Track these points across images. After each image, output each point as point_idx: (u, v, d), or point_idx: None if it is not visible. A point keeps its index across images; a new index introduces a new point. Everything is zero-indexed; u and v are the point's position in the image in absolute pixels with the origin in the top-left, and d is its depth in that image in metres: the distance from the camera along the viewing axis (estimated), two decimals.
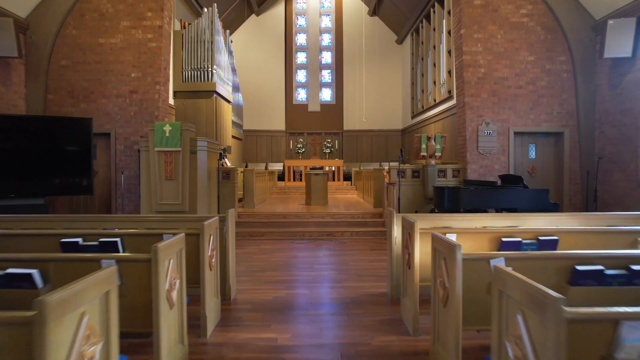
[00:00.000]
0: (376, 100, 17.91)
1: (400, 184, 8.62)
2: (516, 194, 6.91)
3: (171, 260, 3.03)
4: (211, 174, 8.50)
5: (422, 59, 14.63)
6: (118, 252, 3.69)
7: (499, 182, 7.99)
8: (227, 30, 13.66)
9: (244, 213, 9.42)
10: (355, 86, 18.24)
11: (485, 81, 9.00)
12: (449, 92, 11.61)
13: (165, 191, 8.06)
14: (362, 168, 17.59)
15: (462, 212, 7.71)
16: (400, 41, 17.96)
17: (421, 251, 3.75)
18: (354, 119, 18.23)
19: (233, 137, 14.15)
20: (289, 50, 18.76)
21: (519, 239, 3.56)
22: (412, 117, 16.07)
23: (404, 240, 4.13)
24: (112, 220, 4.62)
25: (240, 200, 10.98)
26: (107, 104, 8.85)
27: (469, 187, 7.28)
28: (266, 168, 17.81)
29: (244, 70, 17.94)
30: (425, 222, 4.49)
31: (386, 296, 4.71)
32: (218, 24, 11.71)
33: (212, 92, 11.30)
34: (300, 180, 16.49)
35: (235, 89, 14.78)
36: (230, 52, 13.76)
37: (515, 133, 9.10)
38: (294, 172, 16.53)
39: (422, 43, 14.61)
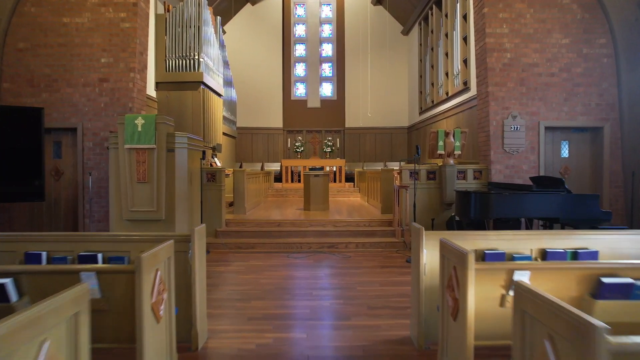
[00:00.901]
0: (380, 95, 16.67)
1: (416, 188, 7.37)
2: (559, 201, 5.67)
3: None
4: (193, 176, 7.27)
5: (432, 49, 13.39)
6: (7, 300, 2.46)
7: (533, 186, 6.76)
8: (218, 18, 12.42)
9: (233, 221, 8.18)
10: (359, 80, 17.00)
11: (512, 68, 7.76)
12: (465, 83, 10.37)
13: (137, 196, 6.84)
14: (365, 168, 16.38)
15: (490, 222, 6.52)
16: (406, 32, 16.72)
17: (478, 295, 2.51)
18: (357, 115, 17.00)
19: (225, 134, 12.91)
20: (287, 42, 17.53)
21: (629, 280, 2.33)
22: (420, 113, 14.83)
23: (444, 275, 2.89)
24: (30, 241, 3.38)
25: (230, 204, 9.73)
26: (74, 94, 7.61)
27: (500, 191, 6.03)
28: (262, 168, 16.57)
29: (238, 64, 16.71)
30: (463, 241, 3.27)
31: (411, 343, 3.47)
32: (206, 10, 10.46)
33: (198, 83, 10.06)
34: (299, 181, 15.25)
35: (228, 83, 13.55)
36: (222, 44, 12.52)
37: (546, 128, 7.86)
38: (292, 172, 15.30)
39: (432, 32, 13.37)
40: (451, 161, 7.72)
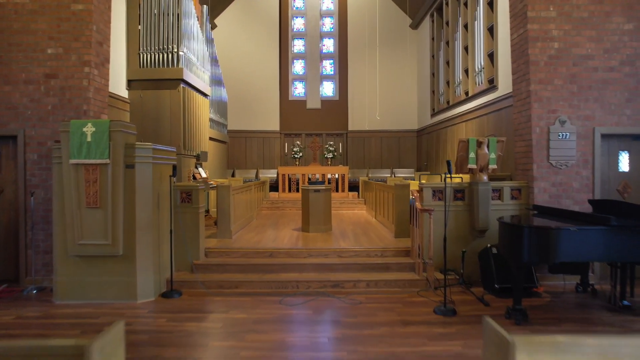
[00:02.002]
0: (387, 95, 15.13)
1: (448, 213, 5.82)
2: None
3: None
4: (161, 198, 5.76)
5: (447, 43, 11.88)
6: None
7: (611, 218, 5.24)
8: (205, 8, 10.89)
9: (215, 249, 6.65)
10: (363, 79, 15.48)
11: (560, 61, 6.23)
12: (490, 81, 8.87)
13: (86, 225, 5.36)
14: (370, 175, 14.88)
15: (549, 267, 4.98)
16: (415, 25, 15.19)
17: None
18: (361, 117, 15.48)
19: (213, 139, 11.39)
20: (284, 37, 16.01)
21: None
22: (433, 115, 13.31)
23: None
24: None
25: (216, 222, 8.19)
26: (12, 93, 6.09)
27: (566, 226, 4.50)
28: (257, 176, 15.04)
29: (230, 61, 15.19)
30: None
31: None
32: None
33: (178, 81, 8.54)
34: (297, 190, 13.76)
35: (217, 82, 12.04)
36: (209, 38, 11.00)
37: (603, 136, 6.34)
38: (289, 180, 13.79)
39: (447, 24, 11.86)
40: (485, 177, 6.20)
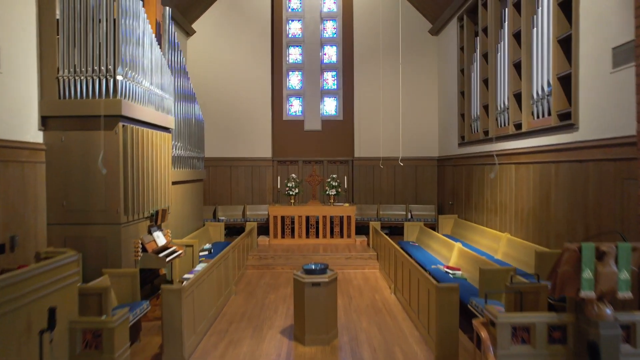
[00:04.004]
0: (401, 115, 12.45)
1: None
2: None
3: None
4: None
5: (485, 56, 9.22)
6: None
7: None
8: (167, 9, 8.22)
9: None
10: (372, 94, 12.83)
11: None
12: (564, 116, 6.24)
13: None
14: (381, 212, 12.27)
15: None
16: (436, 31, 12.53)
17: None
18: (370, 141, 12.83)
19: (179, 182, 8.72)
20: (278, 44, 13.35)
21: None
22: (462, 145, 10.65)
23: None
24: None
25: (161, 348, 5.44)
26: None
27: None
28: (244, 215, 12.39)
29: (211, 73, 12.57)
30: None
31: None
32: None
33: (115, 118, 5.88)
34: (292, 235, 11.17)
35: (190, 97, 9.39)
36: (173, 45, 8.33)
37: None
38: (282, 222, 11.19)
39: (485, 31, 9.21)
40: (608, 311, 3.54)
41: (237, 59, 12.81)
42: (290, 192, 11.25)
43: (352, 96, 13.13)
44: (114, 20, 5.86)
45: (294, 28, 13.58)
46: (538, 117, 7.00)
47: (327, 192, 11.29)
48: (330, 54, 13.60)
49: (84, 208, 5.87)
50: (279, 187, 11.59)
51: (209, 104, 12.60)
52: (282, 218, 11.13)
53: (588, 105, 5.68)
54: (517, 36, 7.77)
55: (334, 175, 11.51)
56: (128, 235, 6.16)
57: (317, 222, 11.20)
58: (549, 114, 6.64)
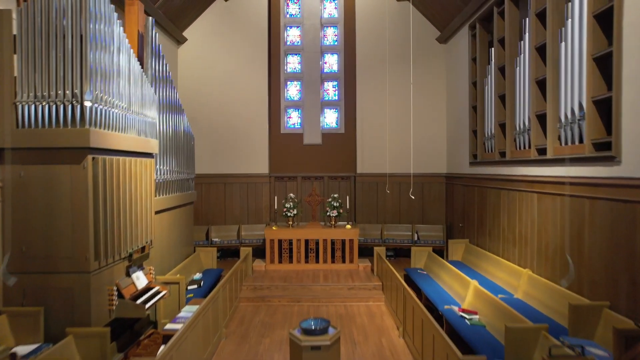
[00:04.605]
0: (407, 128, 11.63)
1: None
2: None
3: None
4: None
5: (502, 69, 8.41)
6: None
7: None
8: (150, 19, 7.40)
9: None
10: (376, 106, 12.02)
11: None
12: (602, 145, 5.43)
13: None
14: (385, 232, 11.48)
15: None
16: (445, 39, 11.73)
17: None
18: (374, 155, 12.03)
19: (163, 211, 7.89)
20: (275, 52, 12.55)
21: None
22: (473, 164, 9.84)
23: None
24: None
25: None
26: None
27: None
28: (239, 236, 11.57)
29: (201, 84, 11.79)
30: None
31: None
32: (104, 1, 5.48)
33: (83, 150, 5.07)
34: (290, 260, 10.40)
35: (175, 109, 8.57)
36: (155, 50, 7.50)
37: None
38: (280, 246, 10.41)
39: (502, 42, 8.40)
40: None
41: (232, 69, 12.00)
42: (288, 214, 10.44)
43: (354, 108, 12.32)
44: (81, 35, 5.05)
45: (292, 35, 12.77)
46: (566, 143, 6.19)
47: (328, 214, 10.48)
48: (331, 62, 12.78)
49: (46, 254, 5.06)
50: (275, 207, 10.76)
51: (201, 116, 11.79)
52: (280, 241, 10.33)
53: (633, 137, 4.87)
54: (540, 50, 6.96)
55: (335, 195, 10.70)
56: (100, 283, 5.34)
57: (317, 246, 10.40)
58: (581, 141, 5.84)
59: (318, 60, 12.60)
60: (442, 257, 10.90)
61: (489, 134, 8.91)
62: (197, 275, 8.79)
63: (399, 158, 11.75)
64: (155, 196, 7.36)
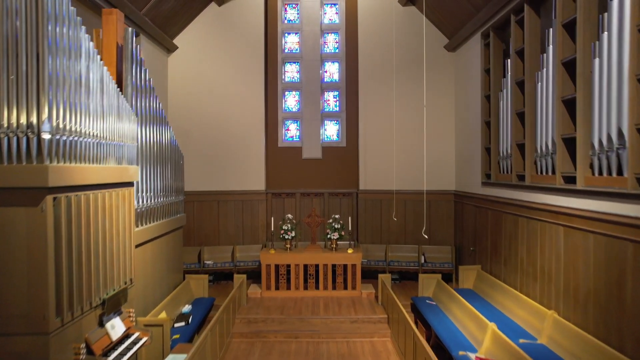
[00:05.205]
0: (414, 142, 10.86)
1: None
2: None
3: None
4: None
5: (521, 84, 7.64)
6: None
7: None
8: (130, 30, 6.61)
9: None
10: (380, 118, 11.25)
11: None
12: None
13: None
14: (390, 254, 10.74)
15: None
16: (454, 46, 10.96)
17: None
18: (378, 171, 11.27)
19: (145, 243, 7.10)
20: (272, 60, 11.79)
21: None
22: (486, 184, 9.07)
23: None
24: None
25: None
26: None
27: None
28: (233, 259, 10.81)
29: (192, 95, 11.05)
30: None
31: None
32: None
33: (41, 191, 4.30)
34: (288, 287, 9.66)
35: (160, 119, 7.79)
36: (134, 58, 6.71)
37: None
38: (277, 271, 9.67)
39: (521, 54, 7.63)
40: None
41: (226, 77, 11.23)
42: (286, 236, 9.68)
43: (356, 119, 11.55)
44: (38, 54, 4.28)
45: (290, 42, 12.00)
46: (601, 173, 5.43)
47: (329, 236, 9.72)
48: (332, 71, 12.01)
49: None
50: (272, 229, 9.99)
51: (192, 129, 11.03)
52: (277, 266, 9.57)
53: None
54: (568, 65, 6.19)
55: (337, 216, 9.93)
56: (64, 343, 4.57)
57: (317, 270, 9.64)
58: (620, 173, 5.07)
59: (318, 69, 11.84)
60: (451, 282, 10.18)
61: (505, 153, 8.14)
62: (186, 308, 8.01)
63: (404, 174, 10.97)
64: (137, 227, 6.60)
